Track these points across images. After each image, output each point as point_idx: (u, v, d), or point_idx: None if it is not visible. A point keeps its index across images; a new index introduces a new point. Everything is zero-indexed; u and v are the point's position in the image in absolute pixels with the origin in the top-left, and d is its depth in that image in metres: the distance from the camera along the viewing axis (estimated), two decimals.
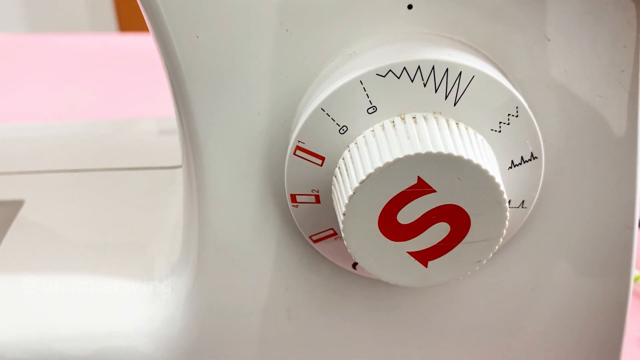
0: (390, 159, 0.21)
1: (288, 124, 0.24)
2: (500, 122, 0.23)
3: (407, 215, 0.22)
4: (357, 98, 0.22)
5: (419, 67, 0.22)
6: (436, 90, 0.22)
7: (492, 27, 0.23)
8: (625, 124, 0.25)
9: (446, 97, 0.22)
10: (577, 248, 0.27)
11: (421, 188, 0.22)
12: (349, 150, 0.23)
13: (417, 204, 0.22)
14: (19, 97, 0.65)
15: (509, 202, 0.23)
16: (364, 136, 0.22)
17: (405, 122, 0.22)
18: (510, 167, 0.24)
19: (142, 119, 0.47)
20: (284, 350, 0.30)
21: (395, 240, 0.23)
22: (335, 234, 0.25)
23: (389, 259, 0.23)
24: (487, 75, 0.22)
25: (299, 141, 0.23)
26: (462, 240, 0.23)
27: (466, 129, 0.22)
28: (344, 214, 0.22)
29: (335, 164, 0.23)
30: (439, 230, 0.23)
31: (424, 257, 0.23)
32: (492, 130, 0.23)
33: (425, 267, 0.23)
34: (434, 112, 0.22)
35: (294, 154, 0.23)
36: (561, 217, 0.27)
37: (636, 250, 0.28)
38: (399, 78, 0.22)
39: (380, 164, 0.21)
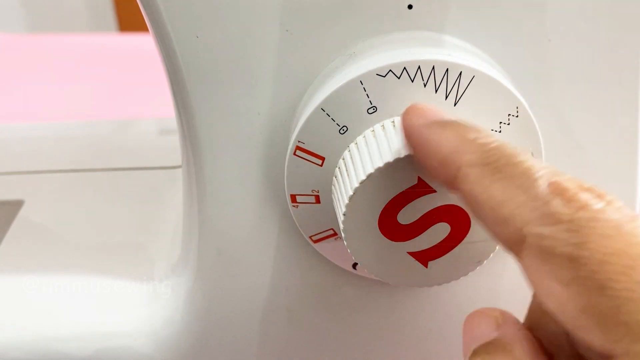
0: (390, 159, 0.21)
1: (288, 124, 0.24)
2: (500, 122, 0.23)
3: (407, 215, 0.22)
4: (357, 98, 0.22)
5: (419, 67, 0.22)
6: (436, 91, 0.22)
7: (492, 27, 0.23)
8: (625, 124, 0.25)
9: (446, 97, 0.22)
10: None
11: (421, 188, 0.22)
12: (349, 151, 0.23)
13: (417, 204, 0.22)
14: (19, 97, 0.65)
15: None
16: (364, 136, 0.22)
17: None
18: None
19: (142, 119, 0.47)
20: (284, 350, 0.30)
21: (395, 240, 0.23)
22: (335, 234, 0.25)
23: (389, 259, 0.23)
24: (487, 76, 0.22)
25: (299, 141, 0.23)
26: (462, 240, 0.23)
27: None
28: (344, 214, 0.22)
29: (335, 164, 0.23)
30: (439, 230, 0.23)
31: (424, 257, 0.23)
32: (492, 130, 0.23)
33: (425, 267, 0.23)
34: None
35: (294, 154, 0.23)
36: None
37: None
38: (399, 78, 0.22)
39: (380, 164, 0.21)
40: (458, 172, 0.18)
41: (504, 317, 0.19)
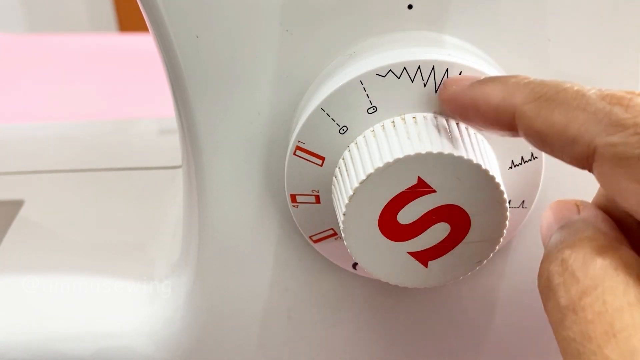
0: (390, 159, 0.21)
1: (288, 124, 0.24)
2: None
3: (407, 215, 0.22)
4: (357, 98, 0.22)
5: (419, 67, 0.22)
6: (436, 90, 0.22)
7: (492, 27, 0.23)
8: None
9: None
10: None
11: (421, 188, 0.22)
12: (349, 151, 0.23)
13: (417, 204, 0.22)
14: (19, 97, 0.65)
15: (509, 202, 0.23)
16: (364, 136, 0.22)
17: (405, 122, 0.22)
18: (511, 167, 0.24)
19: (143, 119, 0.47)
20: (284, 350, 0.30)
21: (395, 240, 0.23)
22: (335, 234, 0.25)
23: (389, 259, 0.23)
24: (487, 75, 0.22)
25: (299, 141, 0.23)
26: (462, 240, 0.23)
27: (466, 129, 0.22)
28: (344, 214, 0.22)
29: (335, 164, 0.23)
30: (439, 230, 0.23)
31: (424, 257, 0.23)
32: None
33: (425, 267, 0.23)
34: (434, 112, 0.23)
35: (294, 154, 0.23)
36: None
37: None
38: (399, 78, 0.22)
39: (380, 164, 0.21)
40: (515, 113, 0.19)
41: (584, 203, 0.21)
